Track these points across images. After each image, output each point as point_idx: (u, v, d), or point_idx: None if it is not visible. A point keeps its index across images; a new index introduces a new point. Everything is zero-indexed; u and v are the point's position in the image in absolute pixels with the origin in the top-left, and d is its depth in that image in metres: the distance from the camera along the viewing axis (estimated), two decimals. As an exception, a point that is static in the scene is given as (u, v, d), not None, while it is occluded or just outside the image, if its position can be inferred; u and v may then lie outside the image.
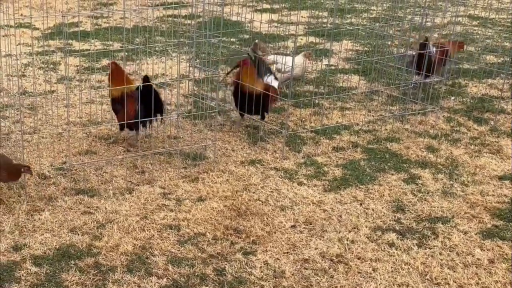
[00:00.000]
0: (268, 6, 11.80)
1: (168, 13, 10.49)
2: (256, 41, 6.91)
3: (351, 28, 9.36)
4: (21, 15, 9.75)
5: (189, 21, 9.98)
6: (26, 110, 6.40)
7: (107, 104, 6.59)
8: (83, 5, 11.38)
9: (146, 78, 5.39)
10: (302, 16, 10.79)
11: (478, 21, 10.29)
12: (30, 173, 4.67)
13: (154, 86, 5.44)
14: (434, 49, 6.64)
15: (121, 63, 6.14)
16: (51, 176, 5.02)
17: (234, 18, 9.67)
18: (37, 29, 9.50)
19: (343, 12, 11.24)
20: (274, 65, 6.65)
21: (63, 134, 5.72)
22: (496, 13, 11.30)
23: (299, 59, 6.63)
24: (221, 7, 6.17)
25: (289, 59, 6.46)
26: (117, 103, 5.41)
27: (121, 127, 5.51)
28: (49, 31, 9.34)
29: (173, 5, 8.65)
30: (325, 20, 10.57)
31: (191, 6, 9.90)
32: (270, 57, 6.87)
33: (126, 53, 8.37)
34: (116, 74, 5.41)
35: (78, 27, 9.62)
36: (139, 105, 5.23)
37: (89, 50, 8.35)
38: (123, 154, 5.41)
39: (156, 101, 5.25)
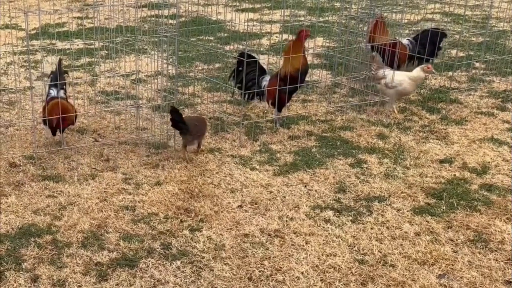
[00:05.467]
0: (250, 6, 12.14)
1: (152, 13, 10.84)
2: (374, 53, 6.81)
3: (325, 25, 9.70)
4: (9, 16, 10.12)
5: (171, 21, 10.32)
6: (5, 105, 6.76)
7: (81, 99, 6.96)
8: (70, 6, 11.75)
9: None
10: (280, 15, 11.12)
11: (451, 18, 10.59)
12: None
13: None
14: None
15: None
16: (21, 164, 5.37)
17: (217, 18, 10.02)
18: (23, 29, 9.85)
19: (321, 11, 11.60)
20: (383, 80, 6.38)
21: (37, 126, 6.06)
22: (471, 9, 11.61)
23: (412, 73, 6.34)
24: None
25: (398, 73, 6.34)
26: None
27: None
28: (34, 31, 9.73)
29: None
30: (302, 19, 10.92)
31: (173, 6, 10.26)
32: (381, 72, 6.48)
33: (106, 51, 8.73)
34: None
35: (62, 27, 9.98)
36: None
37: (70, 49, 8.72)
38: (91, 144, 5.76)
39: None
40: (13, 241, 4.24)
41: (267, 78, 6.14)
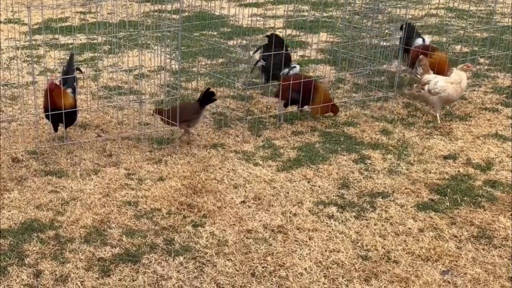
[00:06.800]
0: (253, 0, 12.11)
1: (155, 8, 10.81)
2: (421, 56, 6.32)
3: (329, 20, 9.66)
4: (12, 10, 10.09)
5: (174, 16, 10.30)
6: (7, 100, 6.75)
7: (84, 94, 6.94)
8: (73, 1, 11.71)
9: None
10: (284, 10, 11.09)
11: (455, 13, 10.55)
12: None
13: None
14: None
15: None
16: (24, 159, 5.36)
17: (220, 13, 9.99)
18: (25, 24, 9.84)
19: (325, 6, 11.55)
20: (426, 86, 6.03)
21: (40, 121, 6.05)
22: (475, 5, 11.57)
23: (452, 77, 5.98)
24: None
25: (441, 79, 6.00)
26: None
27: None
28: (37, 26, 9.71)
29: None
30: (305, 14, 10.88)
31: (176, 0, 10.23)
32: (428, 76, 6.12)
33: (109, 46, 8.71)
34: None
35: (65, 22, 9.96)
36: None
37: (73, 43, 8.70)
38: (94, 139, 5.75)
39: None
40: (15, 236, 4.24)
41: (295, 70, 6.45)
